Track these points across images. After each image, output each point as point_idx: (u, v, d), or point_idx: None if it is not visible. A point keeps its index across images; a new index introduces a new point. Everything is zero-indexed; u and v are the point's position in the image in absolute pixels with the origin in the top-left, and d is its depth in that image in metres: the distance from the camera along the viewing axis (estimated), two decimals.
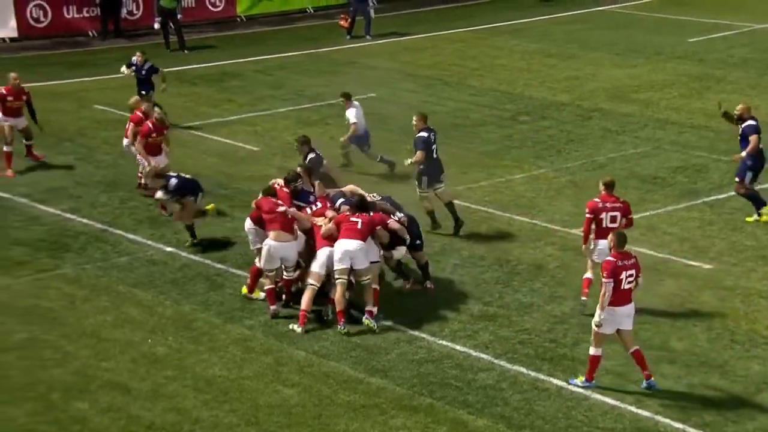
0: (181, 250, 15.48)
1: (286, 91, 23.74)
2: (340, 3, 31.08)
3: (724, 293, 14.30)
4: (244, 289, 13.98)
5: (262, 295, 13.77)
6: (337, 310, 13.11)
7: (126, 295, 14.16)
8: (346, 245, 13.11)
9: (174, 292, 14.24)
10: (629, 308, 11.87)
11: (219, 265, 14.98)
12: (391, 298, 13.89)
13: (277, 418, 11.47)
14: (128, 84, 21.05)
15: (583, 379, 12.02)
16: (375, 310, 13.38)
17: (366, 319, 13.14)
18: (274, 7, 31.26)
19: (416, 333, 13.20)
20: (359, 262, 13.14)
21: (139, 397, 11.82)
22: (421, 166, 15.84)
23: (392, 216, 13.79)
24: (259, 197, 13.77)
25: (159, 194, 15.63)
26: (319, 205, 13.98)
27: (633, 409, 11.63)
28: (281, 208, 13.45)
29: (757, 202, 16.41)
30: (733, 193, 16.85)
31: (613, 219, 13.32)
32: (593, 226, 13.32)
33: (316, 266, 13.32)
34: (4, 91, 18.40)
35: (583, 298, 13.55)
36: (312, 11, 31.71)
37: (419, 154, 15.73)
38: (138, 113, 17.57)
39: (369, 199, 13.96)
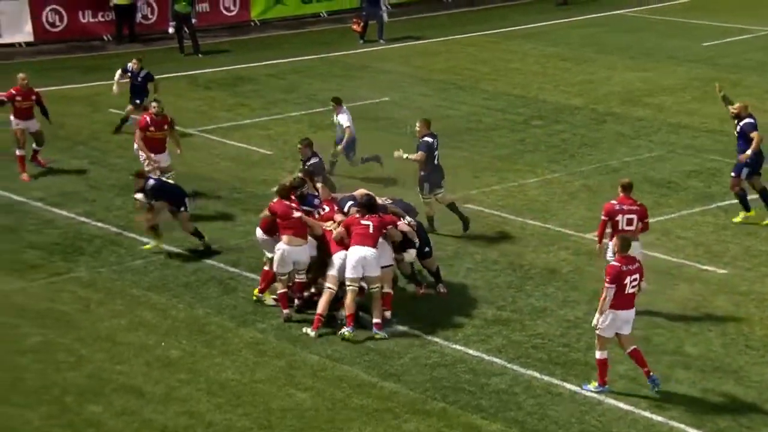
0: (194, 254, 15.51)
1: (299, 95, 23.79)
2: (354, 7, 31.12)
3: (738, 298, 14.24)
4: (256, 291, 13.98)
5: (272, 301, 13.75)
6: (347, 314, 13.10)
7: (140, 299, 14.21)
8: (358, 252, 13.07)
9: (187, 296, 14.28)
10: (631, 313, 11.86)
11: (232, 269, 15.01)
12: (404, 303, 13.88)
13: (290, 422, 11.48)
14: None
15: (596, 384, 11.99)
16: (389, 314, 13.38)
17: (376, 333, 13.11)
18: (287, 12, 31.33)
19: (429, 337, 13.19)
20: (371, 269, 13.11)
21: (152, 400, 11.85)
22: (423, 172, 15.86)
23: (402, 219, 13.75)
24: (275, 201, 13.70)
25: (138, 195, 15.33)
26: (326, 209, 13.95)
27: (647, 414, 11.59)
28: (296, 214, 13.43)
29: (745, 204, 16.46)
30: (750, 197, 16.79)
31: (630, 222, 13.29)
32: (609, 229, 13.29)
33: (333, 270, 13.32)
34: (13, 92, 18.46)
35: None
36: (326, 15, 31.77)
37: (420, 154, 15.74)
38: (146, 116, 17.56)
39: (380, 202, 13.95)
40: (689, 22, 30.71)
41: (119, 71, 20.55)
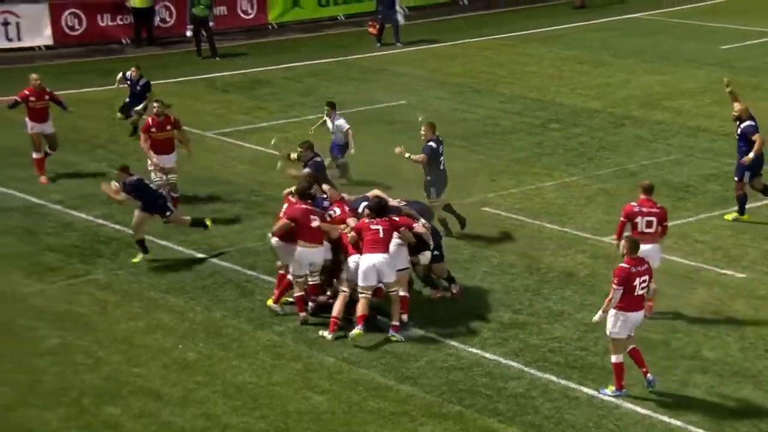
0: (211, 257, 15.55)
1: (316, 98, 23.79)
2: (371, 10, 31.15)
3: (757, 302, 14.16)
4: (270, 301, 13.87)
5: (279, 309, 13.72)
6: (357, 315, 13.05)
7: (157, 301, 14.26)
8: (370, 260, 12.99)
9: (205, 299, 14.32)
10: (641, 315, 11.86)
11: (249, 272, 15.04)
12: (420, 306, 13.87)
13: (307, 425, 11.49)
14: (163, 92, 21.19)
15: (614, 388, 11.95)
16: (405, 317, 13.36)
17: (392, 336, 13.08)
18: (305, 15, 31.39)
19: (446, 340, 13.17)
20: (386, 275, 13.07)
21: (169, 402, 11.89)
22: (428, 177, 15.80)
23: (417, 221, 13.69)
24: (296, 206, 13.51)
25: (117, 189, 15.17)
26: (338, 211, 13.81)
27: (665, 418, 11.54)
28: (315, 224, 13.33)
29: (742, 207, 16.55)
30: (766, 201, 16.73)
31: (649, 224, 13.26)
32: (629, 231, 13.26)
33: (347, 273, 13.32)
34: (26, 92, 18.56)
35: (645, 313, 13.39)
36: (343, 18, 31.81)
37: (422, 156, 15.69)
38: (148, 118, 17.52)
39: (395, 204, 13.86)
40: (707, 25, 30.57)
41: (120, 74, 20.57)
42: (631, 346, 11.90)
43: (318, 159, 16.09)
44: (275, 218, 14.11)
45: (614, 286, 11.64)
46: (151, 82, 20.53)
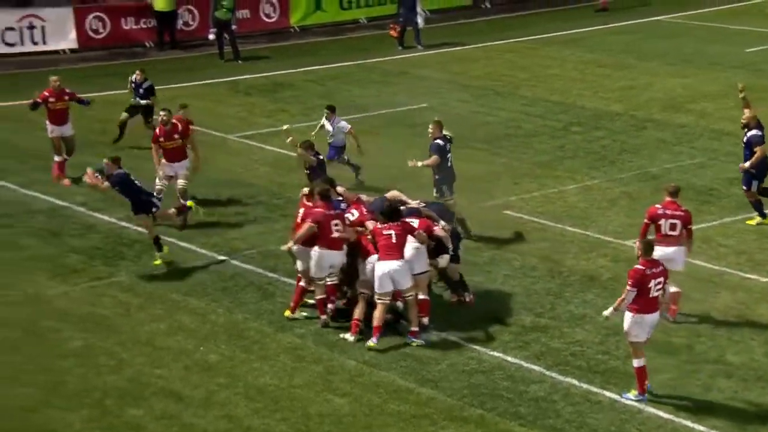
0: (233, 259, 15.60)
1: (337, 101, 23.63)
2: (394, 13, 31.15)
3: None
4: (288, 312, 13.78)
5: (304, 314, 13.72)
6: (374, 325, 12.99)
7: (179, 303, 14.31)
8: (384, 268, 12.92)
9: (226, 301, 14.36)
10: (656, 316, 11.84)
11: (270, 274, 15.07)
12: (441, 309, 13.85)
13: (328, 428, 11.50)
14: (185, 94, 21.28)
15: (636, 392, 11.89)
16: (426, 320, 13.34)
17: (411, 341, 13.02)
18: (327, 18, 31.44)
19: (467, 344, 13.15)
20: (402, 282, 12.99)
21: (191, 404, 11.93)
22: (437, 176, 15.78)
23: (437, 223, 13.59)
24: (317, 209, 13.43)
25: (98, 178, 15.11)
26: (355, 213, 13.64)
27: (688, 423, 11.47)
28: (337, 234, 13.27)
29: (761, 212, 16.60)
30: None
31: (673, 227, 13.22)
32: (653, 235, 13.21)
33: (366, 275, 13.29)
34: (46, 93, 18.71)
35: (669, 316, 13.36)
36: (365, 22, 31.84)
37: (433, 158, 15.69)
38: (174, 121, 17.51)
39: (414, 205, 13.79)
40: (730, 27, 30.37)
41: (130, 78, 20.42)
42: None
43: (320, 157, 16.16)
44: (293, 225, 13.98)
45: (628, 287, 11.62)
46: (155, 86, 20.31)
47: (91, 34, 28.40)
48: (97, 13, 28.50)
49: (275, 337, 13.37)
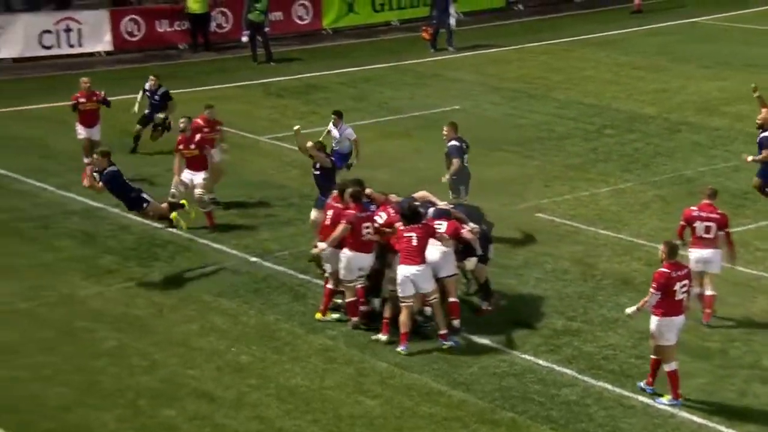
0: (264, 260, 15.66)
1: (370, 104, 23.87)
2: (426, 15, 31.14)
3: None
4: (318, 315, 13.81)
5: (335, 316, 13.75)
6: (401, 332, 12.93)
7: (211, 304, 14.39)
8: (405, 272, 12.84)
9: (258, 302, 14.42)
10: (683, 318, 11.77)
11: (302, 276, 15.11)
12: (472, 312, 13.82)
13: (359, 429, 11.50)
14: (215, 96, 21.40)
15: (670, 397, 11.79)
16: (457, 323, 13.30)
17: (443, 344, 12.97)
18: (359, 20, 31.49)
19: (498, 347, 13.11)
20: (423, 286, 12.91)
21: (223, 405, 11.99)
22: (455, 176, 15.77)
23: (466, 225, 13.46)
24: (350, 210, 13.39)
25: (95, 175, 15.06)
26: (384, 216, 13.50)
27: (722, 428, 11.37)
28: (366, 237, 13.22)
29: None
30: None
31: (708, 229, 13.13)
32: (690, 238, 13.13)
33: (394, 273, 13.22)
34: (78, 95, 19.04)
35: (705, 321, 13.28)
36: (397, 24, 31.86)
37: (456, 162, 15.71)
38: (199, 121, 17.46)
39: (443, 206, 13.68)
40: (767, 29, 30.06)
41: (142, 90, 20.21)
42: (653, 356, 11.77)
43: (332, 159, 16.14)
44: (321, 227, 13.92)
45: (652, 290, 11.55)
46: (171, 92, 20.17)
47: (126, 36, 28.67)
48: (133, 16, 28.76)
49: (306, 339, 13.41)
